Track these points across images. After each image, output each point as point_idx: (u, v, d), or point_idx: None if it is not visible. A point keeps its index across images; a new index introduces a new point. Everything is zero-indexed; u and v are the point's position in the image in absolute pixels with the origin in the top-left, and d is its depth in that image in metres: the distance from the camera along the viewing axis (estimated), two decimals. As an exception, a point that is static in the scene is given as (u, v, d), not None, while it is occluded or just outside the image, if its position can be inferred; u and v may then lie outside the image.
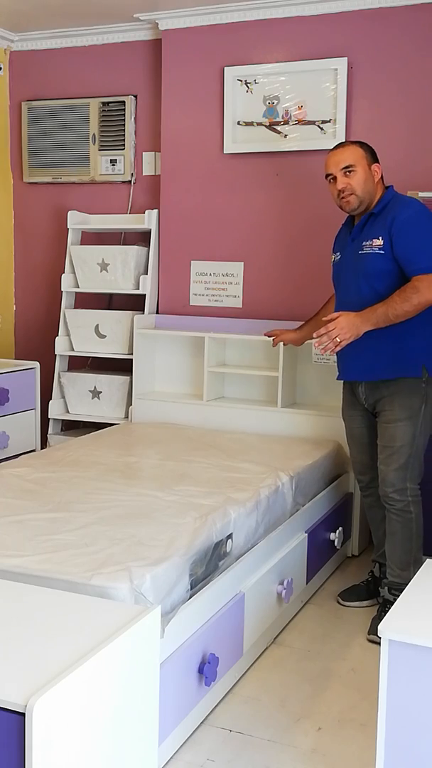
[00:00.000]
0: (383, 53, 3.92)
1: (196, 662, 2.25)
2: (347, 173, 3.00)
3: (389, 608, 2.89)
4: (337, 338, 2.82)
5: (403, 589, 2.86)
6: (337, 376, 3.19)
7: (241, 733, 2.36)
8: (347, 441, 3.30)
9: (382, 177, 3.06)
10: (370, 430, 3.12)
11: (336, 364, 3.19)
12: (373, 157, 3.06)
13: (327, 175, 3.07)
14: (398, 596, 2.89)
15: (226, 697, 2.53)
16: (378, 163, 3.06)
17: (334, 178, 3.04)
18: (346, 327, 2.83)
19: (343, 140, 3.17)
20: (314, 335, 2.93)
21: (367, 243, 2.97)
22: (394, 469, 2.95)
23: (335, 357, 3.17)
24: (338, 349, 2.85)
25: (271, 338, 3.63)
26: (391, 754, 1.73)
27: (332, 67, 3.96)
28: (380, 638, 2.79)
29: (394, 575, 2.99)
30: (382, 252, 2.92)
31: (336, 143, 3.17)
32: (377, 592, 3.20)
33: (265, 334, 3.68)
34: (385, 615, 2.88)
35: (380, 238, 2.93)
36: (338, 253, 3.17)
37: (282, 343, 3.65)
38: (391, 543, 3.01)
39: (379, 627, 1.74)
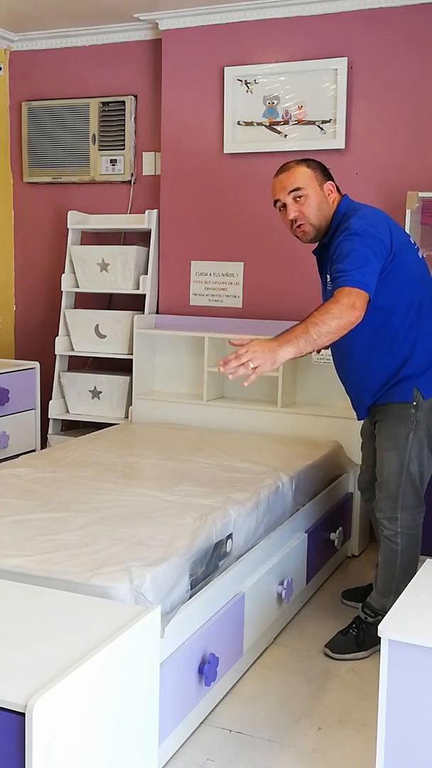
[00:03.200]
0: (383, 53, 3.92)
1: (196, 662, 2.25)
2: (297, 199, 2.68)
3: (359, 626, 2.88)
4: (250, 363, 2.35)
5: (378, 614, 2.87)
6: (357, 417, 3.00)
7: (241, 733, 2.36)
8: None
9: (339, 190, 2.76)
10: (375, 452, 2.96)
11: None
12: (324, 174, 2.74)
13: (275, 202, 2.75)
14: (371, 617, 2.89)
15: (226, 697, 2.53)
16: (332, 180, 2.75)
17: (284, 205, 2.72)
18: (260, 353, 2.36)
19: (290, 160, 2.78)
20: (219, 361, 2.43)
21: (328, 276, 2.70)
22: (384, 498, 2.79)
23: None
24: (253, 377, 2.36)
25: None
26: (391, 754, 1.73)
27: (332, 67, 3.96)
28: (334, 655, 2.80)
29: (373, 597, 2.90)
30: None
31: (283, 164, 2.79)
32: None
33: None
34: (352, 632, 2.89)
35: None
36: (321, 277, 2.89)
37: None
38: (379, 565, 2.89)
39: (379, 627, 1.73)
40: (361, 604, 3.16)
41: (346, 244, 2.55)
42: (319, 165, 2.76)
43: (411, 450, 2.75)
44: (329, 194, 2.72)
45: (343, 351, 2.78)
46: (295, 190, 2.68)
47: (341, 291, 2.45)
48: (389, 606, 2.77)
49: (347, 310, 2.41)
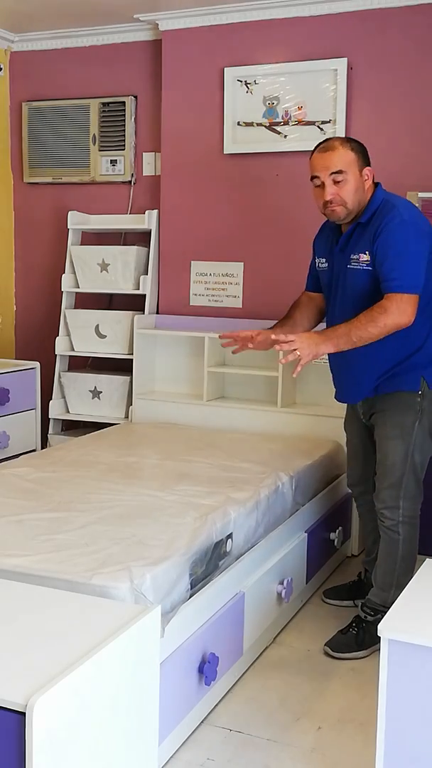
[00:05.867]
0: (383, 54, 3.92)
1: (196, 662, 2.26)
2: (337, 181, 2.70)
3: (359, 625, 2.87)
4: (297, 351, 2.60)
5: (378, 610, 2.86)
6: (335, 395, 3.04)
7: (241, 732, 2.36)
8: (346, 450, 3.25)
9: (372, 178, 2.79)
10: (367, 443, 3.00)
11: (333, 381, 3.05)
12: (365, 158, 2.76)
13: (313, 177, 2.76)
14: (371, 616, 2.88)
15: (226, 696, 2.54)
16: (369, 165, 2.78)
17: (322, 183, 2.73)
18: (305, 345, 2.60)
19: (334, 137, 2.84)
20: (273, 337, 2.69)
21: (355, 257, 2.74)
22: (386, 487, 2.81)
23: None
24: (299, 368, 2.60)
25: (228, 343, 2.99)
26: (391, 754, 1.74)
27: (332, 67, 3.96)
28: (334, 654, 2.80)
29: (373, 593, 2.90)
30: (369, 268, 2.70)
31: (325, 138, 2.85)
32: (359, 595, 3.17)
33: (222, 337, 2.99)
34: (352, 631, 2.88)
35: (366, 253, 2.70)
36: (324, 261, 2.93)
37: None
38: (379, 558, 2.89)
39: (379, 627, 1.74)
40: (341, 601, 3.19)
41: (399, 235, 2.64)
42: (361, 148, 2.77)
43: (416, 439, 2.79)
44: (366, 180, 2.75)
45: None
46: (336, 172, 2.70)
47: (390, 298, 2.61)
48: (391, 600, 2.77)
49: (398, 316, 2.59)
